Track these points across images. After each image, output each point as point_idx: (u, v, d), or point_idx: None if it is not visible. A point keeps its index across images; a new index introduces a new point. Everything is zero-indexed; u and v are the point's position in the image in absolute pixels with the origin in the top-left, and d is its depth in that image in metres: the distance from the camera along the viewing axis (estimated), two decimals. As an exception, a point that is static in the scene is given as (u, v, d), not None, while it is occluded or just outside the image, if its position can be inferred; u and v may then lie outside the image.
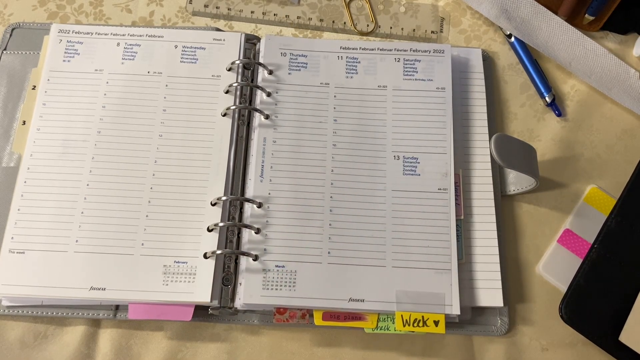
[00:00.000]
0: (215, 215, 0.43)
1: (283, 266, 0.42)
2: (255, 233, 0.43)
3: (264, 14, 0.54)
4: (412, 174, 0.45)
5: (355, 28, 0.54)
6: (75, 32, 0.49)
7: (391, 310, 0.41)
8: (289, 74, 0.48)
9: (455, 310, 0.41)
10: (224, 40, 0.49)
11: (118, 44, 0.49)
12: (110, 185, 0.44)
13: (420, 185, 0.45)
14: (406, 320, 0.40)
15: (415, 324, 0.40)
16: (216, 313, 0.41)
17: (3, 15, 0.53)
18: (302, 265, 0.42)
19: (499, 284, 0.43)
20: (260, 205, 0.43)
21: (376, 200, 0.44)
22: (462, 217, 0.44)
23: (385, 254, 0.42)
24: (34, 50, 0.50)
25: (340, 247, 0.43)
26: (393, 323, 0.41)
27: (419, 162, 0.45)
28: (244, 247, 0.42)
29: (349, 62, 0.49)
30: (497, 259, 0.43)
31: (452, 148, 0.46)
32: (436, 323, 0.40)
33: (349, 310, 0.41)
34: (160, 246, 0.42)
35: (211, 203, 0.44)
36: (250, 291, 0.41)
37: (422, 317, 0.40)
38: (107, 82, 0.47)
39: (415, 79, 0.48)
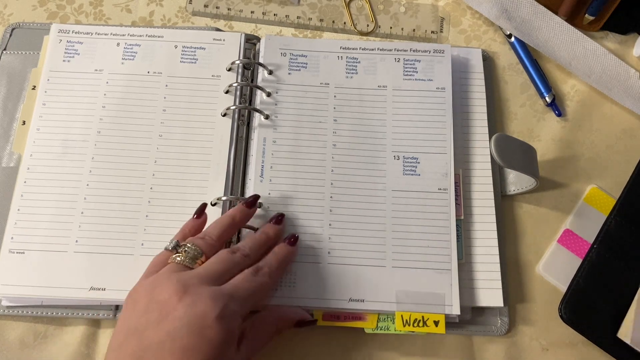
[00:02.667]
0: (215, 216, 0.43)
1: (283, 266, 0.42)
2: (255, 233, 0.43)
3: (264, 14, 0.54)
4: (412, 174, 0.45)
5: (355, 28, 0.54)
6: (75, 32, 0.49)
7: (391, 310, 0.41)
8: (289, 74, 0.48)
9: (455, 310, 0.41)
10: (223, 40, 0.49)
11: (118, 44, 0.49)
12: (110, 185, 0.44)
13: (420, 185, 0.45)
14: (406, 320, 0.40)
15: (415, 324, 0.40)
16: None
17: (3, 15, 0.53)
18: (302, 265, 0.42)
19: (499, 284, 0.43)
20: (260, 205, 0.43)
21: (376, 200, 0.44)
22: (462, 217, 0.44)
23: (385, 254, 0.42)
24: (34, 50, 0.50)
25: (340, 247, 0.43)
26: (393, 323, 0.41)
27: (419, 162, 0.45)
28: (244, 247, 0.42)
29: (349, 62, 0.49)
30: (497, 259, 0.43)
31: (452, 148, 0.45)
32: (436, 323, 0.40)
33: (349, 310, 0.41)
34: (160, 246, 0.42)
35: (211, 203, 0.44)
36: (250, 291, 0.41)
37: (422, 317, 0.40)
38: (107, 82, 0.47)
39: (415, 79, 0.48)
